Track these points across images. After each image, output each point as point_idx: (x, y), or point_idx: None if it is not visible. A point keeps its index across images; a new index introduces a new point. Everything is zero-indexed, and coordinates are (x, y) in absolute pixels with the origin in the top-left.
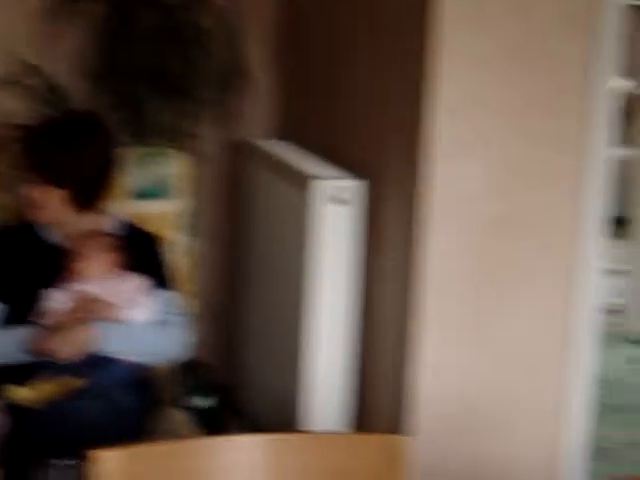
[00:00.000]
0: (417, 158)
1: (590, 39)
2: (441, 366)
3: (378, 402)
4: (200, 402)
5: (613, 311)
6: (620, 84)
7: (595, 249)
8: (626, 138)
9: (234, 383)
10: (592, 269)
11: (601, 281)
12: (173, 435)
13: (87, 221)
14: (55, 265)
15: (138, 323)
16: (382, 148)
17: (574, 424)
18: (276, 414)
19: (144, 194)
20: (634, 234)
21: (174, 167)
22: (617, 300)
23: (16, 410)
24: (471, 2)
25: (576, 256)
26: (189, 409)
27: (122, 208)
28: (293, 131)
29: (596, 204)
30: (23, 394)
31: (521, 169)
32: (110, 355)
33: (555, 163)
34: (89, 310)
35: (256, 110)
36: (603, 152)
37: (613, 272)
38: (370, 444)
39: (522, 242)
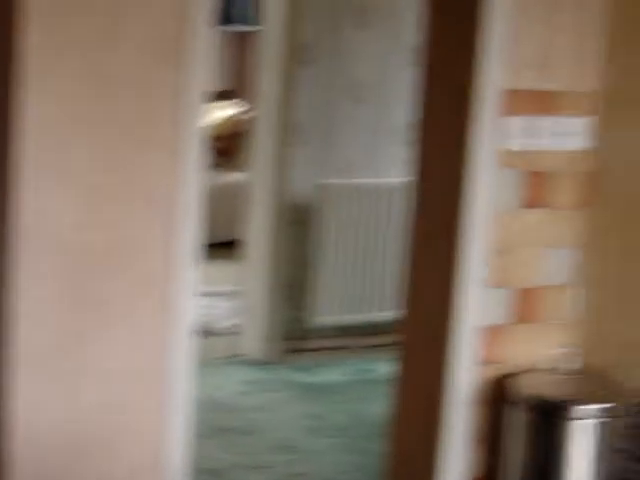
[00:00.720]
0: (6, 190)
1: (181, 68)
2: (38, 399)
3: None
4: None
5: (229, 333)
6: (231, 110)
7: (192, 274)
8: (236, 163)
9: None
10: (189, 293)
11: (200, 304)
12: None
13: None
14: None
15: None
16: None
17: (176, 448)
18: None
19: None
20: (245, 256)
21: None
22: (233, 322)
23: None
24: (55, 33)
25: (173, 282)
26: None
27: None
28: None
29: (191, 230)
30: None
31: (113, 200)
32: None
33: (148, 191)
34: None
35: None
36: (195, 179)
37: (228, 294)
38: None
39: (118, 271)
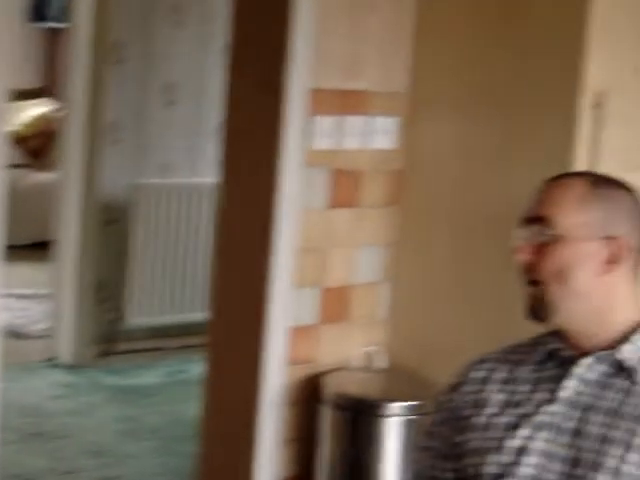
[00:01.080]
0: None
1: None
2: None
3: None
4: None
5: (42, 337)
6: (42, 109)
7: None
8: (48, 162)
9: None
10: None
11: (12, 307)
12: None
13: None
14: None
15: None
16: None
17: None
18: None
19: None
20: (56, 257)
21: None
22: (45, 325)
23: None
24: None
25: None
26: None
27: None
28: None
29: None
30: None
31: None
32: None
33: None
34: None
35: None
36: None
37: (41, 297)
38: None
39: None
